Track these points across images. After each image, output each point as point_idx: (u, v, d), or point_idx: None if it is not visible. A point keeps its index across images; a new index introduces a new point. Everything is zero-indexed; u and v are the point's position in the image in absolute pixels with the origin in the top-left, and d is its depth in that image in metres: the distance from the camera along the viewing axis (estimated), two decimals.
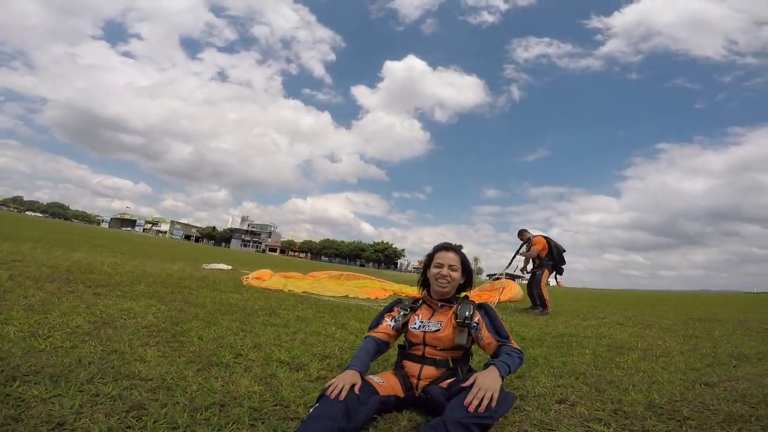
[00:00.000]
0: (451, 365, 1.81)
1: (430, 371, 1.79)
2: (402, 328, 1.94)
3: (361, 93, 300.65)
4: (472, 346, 1.95)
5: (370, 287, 8.10)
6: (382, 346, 1.92)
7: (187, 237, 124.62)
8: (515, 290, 7.68)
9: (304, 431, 1.27)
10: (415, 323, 1.91)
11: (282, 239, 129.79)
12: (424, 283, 2.05)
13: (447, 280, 1.89)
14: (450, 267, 1.91)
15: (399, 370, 1.86)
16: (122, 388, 1.58)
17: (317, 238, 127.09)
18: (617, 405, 1.91)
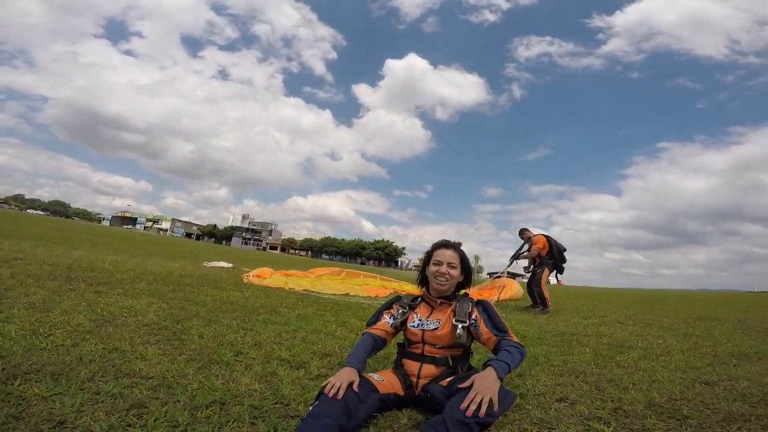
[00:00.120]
0: (451, 363, 1.81)
1: (429, 369, 1.79)
2: (400, 326, 1.94)
3: (362, 91, 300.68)
4: (472, 344, 1.95)
5: (371, 285, 8.11)
6: (379, 343, 1.91)
7: (188, 235, 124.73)
8: (515, 289, 7.69)
9: (304, 429, 1.27)
10: (413, 321, 1.90)
11: (283, 237, 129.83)
12: (423, 280, 2.05)
13: (446, 278, 1.89)
14: (449, 265, 1.90)
15: (399, 368, 1.86)
16: (123, 386, 1.58)
17: (318, 236, 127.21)
18: (617, 403, 1.91)
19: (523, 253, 7.07)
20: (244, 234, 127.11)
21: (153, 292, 3.92)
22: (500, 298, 7.03)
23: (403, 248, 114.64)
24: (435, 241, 2.03)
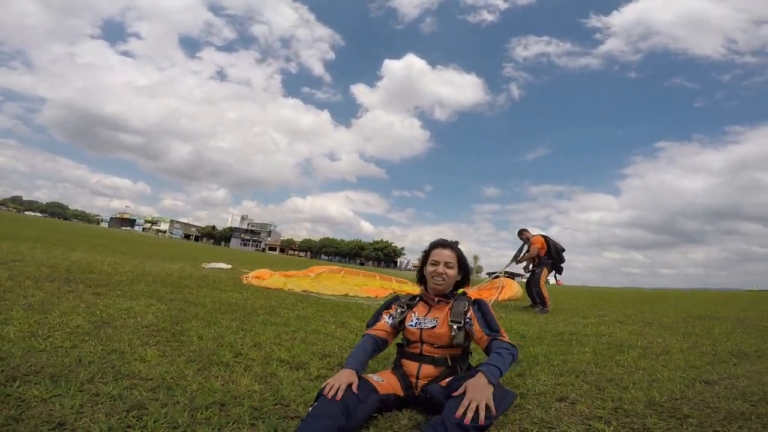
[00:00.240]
0: (450, 364, 1.81)
1: (428, 370, 1.78)
2: (399, 326, 1.94)
3: (360, 91, 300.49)
4: (470, 344, 1.95)
5: (370, 286, 8.11)
6: (380, 344, 1.91)
7: (187, 236, 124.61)
8: (514, 289, 7.69)
9: (304, 430, 1.27)
10: (411, 320, 1.90)
11: (282, 238, 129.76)
12: (422, 279, 2.05)
13: (442, 278, 1.89)
14: (446, 264, 1.90)
15: (398, 369, 1.86)
16: (122, 387, 1.58)
17: (317, 237, 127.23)
18: (617, 403, 1.91)
19: (523, 255, 7.08)
20: (242, 235, 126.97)
21: (152, 293, 3.91)
22: (499, 299, 7.03)
23: (402, 249, 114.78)
24: (433, 240, 2.03)
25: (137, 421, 1.35)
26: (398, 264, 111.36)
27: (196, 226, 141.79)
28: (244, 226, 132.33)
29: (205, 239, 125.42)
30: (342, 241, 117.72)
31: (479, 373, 1.52)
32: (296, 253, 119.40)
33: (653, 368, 2.66)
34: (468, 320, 1.83)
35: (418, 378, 1.77)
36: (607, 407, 1.85)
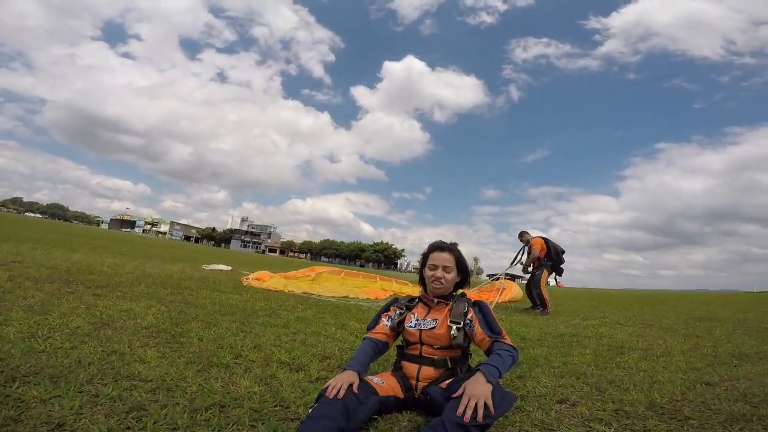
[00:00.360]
0: (450, 365, 1.81)
1: (428, 372, 1.78)
2: (398, 327, 1.93)
3: (360, 93, 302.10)
4: (470, 346, 1.95)
5: (370, 287, 8.10)
6: (381, 347, 1.91)
7: (187, 238, 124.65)
8: (515, 291, 7.69)
9: (303, 431, 1.27)
10: (411, 321, 1.90)
11: (282, 240, 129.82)
12: (422, 281, 2.05)
13: (441, 282, 1.88)
14: (444, 269, 1.89)
15: (398, 371, 1.85)
16: (122, 389, 1.57)
17: (317, 239, 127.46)
18: (618, 405, 1.91)
19: (527, 259, 7.07)
20: (243, 237, 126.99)
21: (152, 295, 3.91)
22: (500, 300, 7.02)
23: (402, 250, 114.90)
24: (431, 242, 2.02)
25: (137, 422, 1.35)
26: (398, 266, 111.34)
27: (196, 227, 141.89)
28: (244, 228, 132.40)
29: (205, 241, 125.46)
30: (342, 242, 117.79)
31: (478, 373, 1.52)
32: (296, 254, 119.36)
33: (654, 370, 2.66)
34: (469, 321, 1.82)
35: (418, 380, 1.77)
36: (608, 409, 1.85)
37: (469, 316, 1.83)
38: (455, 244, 1.99)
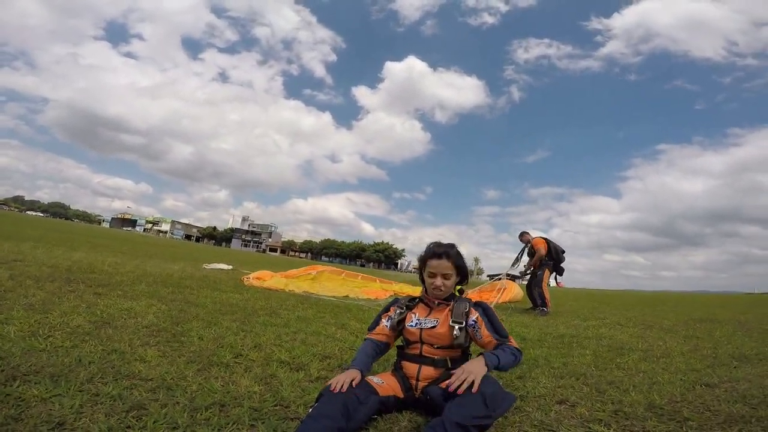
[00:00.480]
0: (450, 365, 1.81)
1: (428, 371, 1.78)
2: (398, 326, 1.93)
3: (361, 93, 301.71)
4: (470, 346, 1.95)
5: (371, 287, 8.10)
6: (382, 347, 1.93)
7: (188, 237, 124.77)
8: (515, 291, 7.67)
9: (303, 431, 1.27)
10: (411, 321, 1.90)
11: (282, 239, 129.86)
12: (422, 280, 2.05)
13: (441, 290, 1.88)
14: (443, 276, 1.88)
15: (398, 370, 1.85)
16: (122, 387, 1.58)
17: (318, 238, 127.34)
18: (618, 406, 1.91)
19: (531, 260, 7.07)
20: (243, 236, 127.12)
21: (152, 294, 3.91)
22: (500, 301, 7.02)
23: (403, 250, 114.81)
24: (429, 244, 1.97)
25: (137, 421, 1.35)
26: (399, 266, 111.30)
27: (197, 226, 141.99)
28: (245, 227, 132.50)
29: (206, 240, 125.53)
30: (343, 242, 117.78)
31: (479, 356, 1.65)
32: (297, 254, 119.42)
33: (654, 371, 2.66)
34: (473, 323, 1.83)
35: (418, 380, 1.77)
36: (608, 410, 1.85)
37: (473, 318, 1.83)
38: (452, 246, 1.95)
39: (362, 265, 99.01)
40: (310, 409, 1.38)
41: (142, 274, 5.35)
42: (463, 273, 1.96)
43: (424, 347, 1.83)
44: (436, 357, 1.81)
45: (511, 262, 7.55)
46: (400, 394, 1.71)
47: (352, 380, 1.54)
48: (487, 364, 1.59)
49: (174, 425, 1.36)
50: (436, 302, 1.92)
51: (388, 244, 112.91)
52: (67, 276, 4.18)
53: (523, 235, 7.30)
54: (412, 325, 1.88)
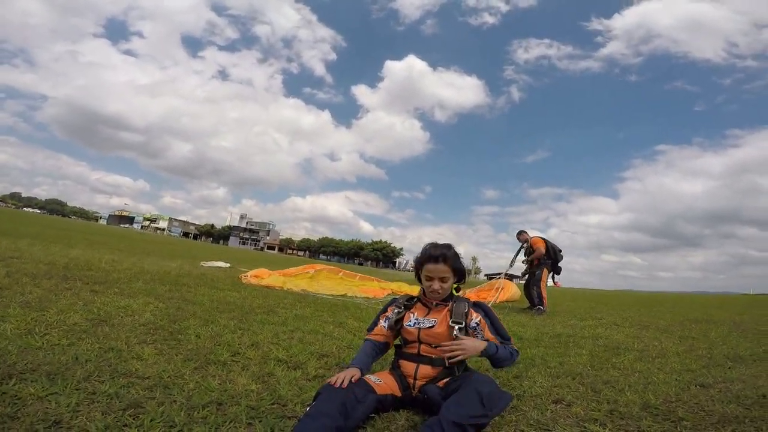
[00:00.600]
0: (447, 365, 1.82)
1: (426, 371, 1.79)
2: (395, 325, 1.94)
3: (361, 92, 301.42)
4: None
5: (368, 286, 8.10)
6: (381, 347, 1.93)
7: (186, 234, 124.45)
8: (513, 290, 7.70)
9: (301, 430, 1.27)
10: (409, 320, 1.90)
11: (280, 237, 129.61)
12: (419, 279, 2.05)
13: (438, 294, 1.88)
14: (440, 279, 1.87)
15: (395, 369, 1.86)
16: (119, 386, 1.57)
17: (316, 237, 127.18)
18: (613, 405, 1.92)
19: (529, 258, 7.09)
20: (241, 234, 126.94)
21: (150, 291, 3.91)
22: (497, 300, 7.04)
23: (401, 249, 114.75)
24: (426, 246, 1.96)
25: (134, 419, 1.35)
26: (397, 264, 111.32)
27: (195, 224, 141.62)
28: (243, 225, 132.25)
29: (203, 237, 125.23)
30: (341, 240, 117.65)
31: (482, 340, 1.77)
32: (295, 252, 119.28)
33: (649, 371, 2.67)
34: (475, 325, 1.85)
35: (415, 379, 1.77)
36: (603, 410, 1.86)
37: (476, 320, 1.85)
38: (449, 247, 1.93)
39: (360, 264, 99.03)
40: (308, 408, 1.38)
41: (139, 272, 5.34)
42: (460, 274, 1.96)
43: (422, 346, 1.84)
44: (433, 356, 1.82)
45: (509, 262, 7.57)
46: (398, 393, 1.72)
47: (352, 377, 1.57)
48: (486, 349, 1.72)
49: (171, 423, 1.36)
50: (435, 303, 1.93)
51: (386, 242, 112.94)
52: (64, 273, 4.16)
53: (520, 234, 7.33)
54: (410, 325, 1.89)
